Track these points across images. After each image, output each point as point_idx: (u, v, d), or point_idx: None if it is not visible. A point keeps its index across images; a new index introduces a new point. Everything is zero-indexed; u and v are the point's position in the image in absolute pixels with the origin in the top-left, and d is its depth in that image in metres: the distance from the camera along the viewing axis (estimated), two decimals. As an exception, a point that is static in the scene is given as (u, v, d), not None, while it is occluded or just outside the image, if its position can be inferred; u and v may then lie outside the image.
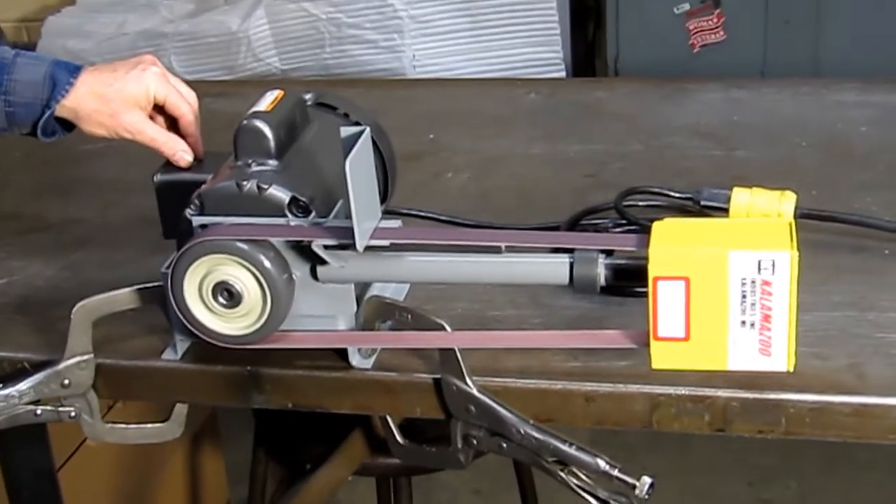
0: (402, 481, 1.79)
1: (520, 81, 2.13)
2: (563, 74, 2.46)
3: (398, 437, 1.19)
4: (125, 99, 1.23)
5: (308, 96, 1.22)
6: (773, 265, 0.95)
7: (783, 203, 1.30)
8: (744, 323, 0.97)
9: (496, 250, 1.04)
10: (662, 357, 1.00)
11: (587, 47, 2.77)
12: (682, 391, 1.06)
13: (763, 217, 1.30)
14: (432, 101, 1.92)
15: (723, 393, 1.05)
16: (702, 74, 2.28)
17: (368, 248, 1.04)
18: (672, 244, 0.97)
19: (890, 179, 1.49)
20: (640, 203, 1.40)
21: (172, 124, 1.26)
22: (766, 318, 0.96)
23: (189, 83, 1.29)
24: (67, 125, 1.26)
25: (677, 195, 1.39)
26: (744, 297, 0.96)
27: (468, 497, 2.68)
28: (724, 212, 1.33)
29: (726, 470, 2.68)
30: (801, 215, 1.30)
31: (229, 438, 2.46)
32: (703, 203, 1.35)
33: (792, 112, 1.75)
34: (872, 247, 1.30)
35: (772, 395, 1.04)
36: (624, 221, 1.35)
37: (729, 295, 0.96)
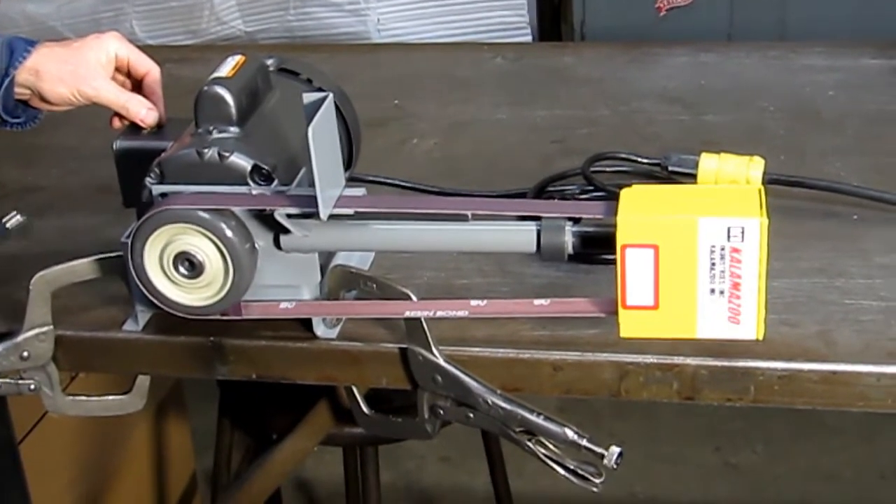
0: (369, 450, 1.78)
1: (486, 46, 2.11)
2: (528, 38, 2.43)
3: (364, 408, 1.18)
4: (86, 59, 1.23)
5: (270, 62, 1.20)
6: (743, 232, 0.94)
7: (751, 168, 1.30)
8: (713, 291, 0.96)
9: (462, 218, 1.03)
10: (631, 325, 0.99)
11: (553, 11, 2.75)
12: (651, 359, 1.05)
13: (731, 183, 1.29)
14: (397, 67, 1.90)
15: (691, 361, 1.05)
16: (669, 38, 2.26)
17: (332, 217, 1.03)
18: (640, 212, 0.96)
19: (858, 144, 1.48)
20: (608, 169, 1.39)
21: (136, 88, 1.25)
22: (736, 285, 0.96)
23: (151, 48, 1.28)
24: (32, 110, 1.26)
25: (645, 161, 1.39)
26: (713, 264, 0.95)
27: (436, 464, 2.68)
28: (692, 177, 1.32)
29: (693, 435, 2.69)
30: (770, 181, 1.29)
31: (195, 407, 2.44)
32: (671, 169, 1.35)
33: (760, 76, 1.74)
34: (841, 212, 1.29)
35: (740, 363, 1.04)
36: (591, 187, 1.35)
37: (698, 262, 0.95)
